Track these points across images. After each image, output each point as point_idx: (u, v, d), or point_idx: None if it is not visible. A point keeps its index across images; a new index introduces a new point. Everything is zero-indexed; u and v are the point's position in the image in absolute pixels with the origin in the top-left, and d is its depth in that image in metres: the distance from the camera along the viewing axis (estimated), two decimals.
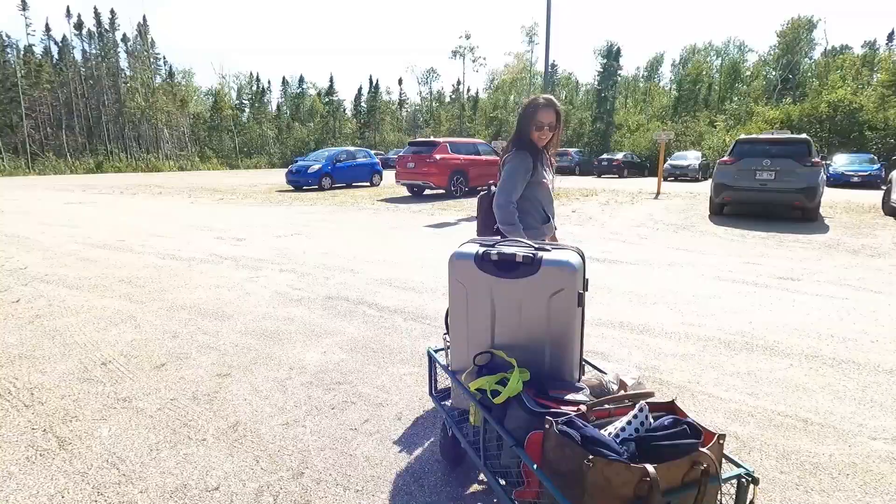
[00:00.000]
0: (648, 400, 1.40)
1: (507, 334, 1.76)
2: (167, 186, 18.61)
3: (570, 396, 1.53)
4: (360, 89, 56.30)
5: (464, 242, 1.88)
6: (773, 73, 44.67)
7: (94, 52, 44.88)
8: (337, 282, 4.93)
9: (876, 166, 18.21)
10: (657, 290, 4.61)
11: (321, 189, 16.44)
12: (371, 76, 63.16)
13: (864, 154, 20.39)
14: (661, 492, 1.09)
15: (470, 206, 11.75)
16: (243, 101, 54.21)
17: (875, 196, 13.27)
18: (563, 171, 26.14)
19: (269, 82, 60.75)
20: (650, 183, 19.86)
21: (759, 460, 2.10)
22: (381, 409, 2.53)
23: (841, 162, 19.02)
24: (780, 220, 9.00)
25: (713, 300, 4.34)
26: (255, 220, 9.47)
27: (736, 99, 43.47)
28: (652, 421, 1.30)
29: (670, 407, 1.39)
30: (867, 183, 17.52)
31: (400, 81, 65.36)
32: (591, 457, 1.12)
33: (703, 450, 1.16)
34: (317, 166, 16.53)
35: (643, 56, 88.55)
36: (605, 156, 27.09)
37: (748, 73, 47.95)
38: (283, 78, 58.64)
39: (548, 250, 1.70)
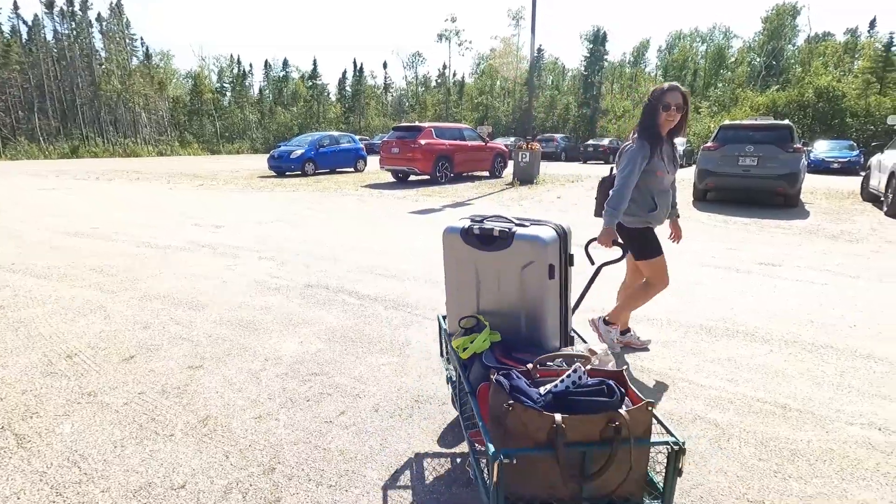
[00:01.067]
0: (601, 369, 1.55)
1: (490, 301, 1.96)
2: (145, 172, 18.13)
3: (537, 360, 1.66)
4: (344, 73, 55.21)
5: (461, 218, 2.06)
6: (758, 59, 44.95)
7: (66, 31, 43.15)
8: (317, 269, 4.83)
9: (855, 153, 18.48)
10: None
11: (304, 175, 16.16)
12: (355, 59, 61.50)
13: (844, 140, 20.63)
14: (571, 441, 1.24)
15: (454, 192, 11.65)
16: (224, 85, 52.82)
17: (854, 182, 13.47)
18: (548, 156, 25.85)
19: (250, 65, 59.31)
20: None
21: (738, 448, 2.08)
22: (357, 400, 2.46)
23: (821, 148, 19.23)
24: (762, 206, 9.07)
25: (696, 286, 4.34)
26: (235, 207, 9.25)
27: (721, 85, 43.69)
28: (588, 381, 1.41)
29: (618, 376, 1.48)
30: (847, 169, 17.77)
31: (385, 65, 64.55)
32: (510, 402, 1.28)
33: (620, 411, 1.26)
34: (300, 151, 16.19)
35: (629, 41, 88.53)
36: (591, 141, 26.93)
37: (733, 59, 48.16)
38: (266, 61, 56.88)
39: (525, 226, 1.86)
